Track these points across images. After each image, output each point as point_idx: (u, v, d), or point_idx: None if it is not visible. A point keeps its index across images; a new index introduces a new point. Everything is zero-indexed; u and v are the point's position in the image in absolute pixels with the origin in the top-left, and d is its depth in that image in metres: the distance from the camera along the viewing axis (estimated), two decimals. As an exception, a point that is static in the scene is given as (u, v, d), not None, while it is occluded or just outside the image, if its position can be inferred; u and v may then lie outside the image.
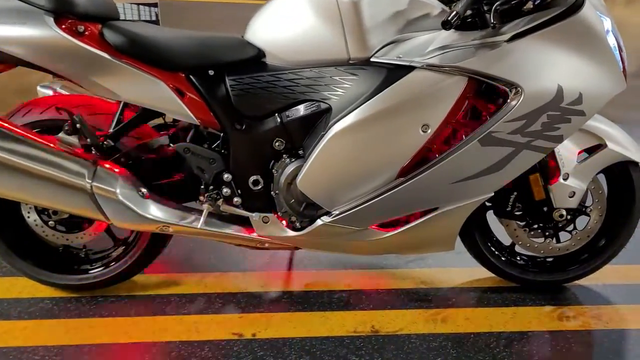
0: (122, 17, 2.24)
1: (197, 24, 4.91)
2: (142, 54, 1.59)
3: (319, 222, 1.68)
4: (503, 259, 1.94)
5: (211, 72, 1.65)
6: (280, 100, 1.64)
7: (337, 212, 1.66)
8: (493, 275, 1.99)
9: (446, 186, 1.62)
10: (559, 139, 1.61)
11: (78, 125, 1.60)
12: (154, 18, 3.77)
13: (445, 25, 1.42)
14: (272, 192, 1.72)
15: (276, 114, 1.65)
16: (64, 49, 1.53)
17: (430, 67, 1.52)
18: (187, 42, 1.66)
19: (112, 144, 1.66)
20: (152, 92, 1.61)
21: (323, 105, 1.63)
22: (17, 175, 1.56)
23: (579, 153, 1.78)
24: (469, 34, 1.55)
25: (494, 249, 1.92)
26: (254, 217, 1.72)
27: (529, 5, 1.58)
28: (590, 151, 1.79)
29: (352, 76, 1.58)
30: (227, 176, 1.70)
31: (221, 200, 1.71)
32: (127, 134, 1.70)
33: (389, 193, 1.62)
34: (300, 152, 1.69)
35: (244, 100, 1.64)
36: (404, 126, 1.57)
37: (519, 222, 1.87)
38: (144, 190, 1.67)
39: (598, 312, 1.87)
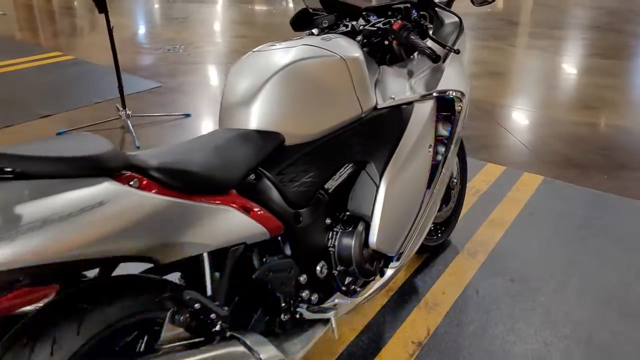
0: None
1: None
2: (196, 185, 1.22)
3: (390, 271, 1.70)
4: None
5: (252, 177, 1.40)
6: (318, 177, 1.55)
7: (402, 252, 1.72)
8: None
9: (443, 189, 1.92)
10: None
11: (197, 305, 1.12)
12: None
13: (438, 60, 1.68)
14: (333, 271, 1.61)
15: (318, 192, 1.55)
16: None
17: (423, 98, 1.76)
18: (222, 151, 1.34)
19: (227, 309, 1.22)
20: (232, 223, 1.26)
21: (359, 163, 1.63)
22: None
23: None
24: (410, 65, 1.84)
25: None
26: (337, 301, 1.59)
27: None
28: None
29: (374, 127, 1.65)
30: (303, 278, 1.50)
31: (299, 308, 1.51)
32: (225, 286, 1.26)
33: (426, 212, 1.79)
34: (344, 217, 1.64)
35: (297, 189, 1.48)
36: (423, 152, 1.76)
37: None
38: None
39: (479, 235, 2.55)
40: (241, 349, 1.16)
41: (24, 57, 5.58)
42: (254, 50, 1.64)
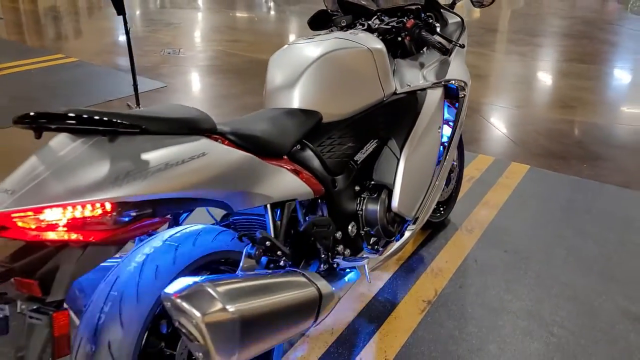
0: None
1: None
2: (261, 148, 1.48)
3: (407, 233, 1.98)
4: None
5: (298, 147, 1.67)
6: (350, 149, 1.82)
7: (418, 216, 2.00)
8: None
9: (449, 166, 2.21)
10: None
11: (268, 243, 1.38)
12: None
13: (447, 53, 1.98)
14: (361, 231, 1.88)
15: (349, 163, 1.82)
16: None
17: (434, 86, 2.05)
18: (277, 124, 1.60)
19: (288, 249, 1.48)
20: (288, 181, 1.53)
21: (382, 139, 1.91)
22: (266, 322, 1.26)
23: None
24: (422, 57, 2.13)
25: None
26: (364, 256, 1.86)
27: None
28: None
29: (394, 109, 1.93)
30: (338, 235, 1.76)
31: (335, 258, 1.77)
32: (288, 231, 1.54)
33: (436, 185, 2.08)
34: (369, 185, 1.91)
35: (334, 159, 1.75)
36: (434, 132, 2.05)
37: None
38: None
39: (475, 215, 2.85)
40: (303, 279, 1.42)
41: (28, 59, 5.77)
42: (289, 43, 1.91)
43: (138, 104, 4.04)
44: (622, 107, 4.70)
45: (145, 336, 1.25)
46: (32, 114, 1.14)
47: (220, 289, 1.18)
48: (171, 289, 1.15)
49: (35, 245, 1.18)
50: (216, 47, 6.67)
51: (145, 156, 1.17)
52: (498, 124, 4.26)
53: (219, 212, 1.73)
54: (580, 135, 4.03)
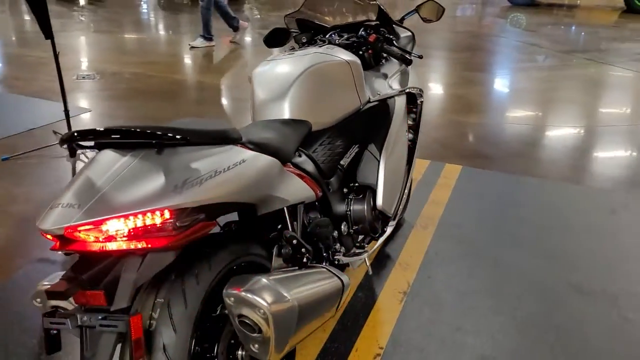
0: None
1: None
2: (275, 154, 1.59)
3: (389, 229, 2.14)
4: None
5: (297, 154, 1.79)
6: (337, 155, 1.96)
7: (396, 214, 2.17)
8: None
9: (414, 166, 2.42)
10: None
11: (295, 242, 1.48)
12: None
13: (410, 63, 2.19)
14: (351, 230, 2.02)
15: (337, 167, 1.97)
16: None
17: (399, 94, 2.25)
18: (279, 133, 1.71)
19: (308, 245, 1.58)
20: (299, 185, 1.64)
21: (362, 144, 2.07)
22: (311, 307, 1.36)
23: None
24: (383, 69, 2.33)
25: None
26: (356, 251, 1.99)
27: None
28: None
29: (370, 116, 2.10)
30: (335, 234, 1.89)
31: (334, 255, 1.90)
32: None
33: (408, 182, 2.27)
34: (355, 187, 2.06)
35: (326, 164, 1.88)
36: (404, 135, 2.24)
37: None
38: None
39: (426, 213, 3.09)
40: (327, 272, 1.53)
41: None
42: (268, 59, 2.02)
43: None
44: (521, 109, 5.23)
45: (195, 338, 1.31)
46: (76, 132, 1.18)
47: (277, 282, 1.27)
48: (232, 285, 1.23)
49: (93, 258, 1.21)
50: (130, 69, 6.53)
51: (195, 165, 1.24)
52: (423, 130, 4.58)
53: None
54: (497, 136, 4.46)
